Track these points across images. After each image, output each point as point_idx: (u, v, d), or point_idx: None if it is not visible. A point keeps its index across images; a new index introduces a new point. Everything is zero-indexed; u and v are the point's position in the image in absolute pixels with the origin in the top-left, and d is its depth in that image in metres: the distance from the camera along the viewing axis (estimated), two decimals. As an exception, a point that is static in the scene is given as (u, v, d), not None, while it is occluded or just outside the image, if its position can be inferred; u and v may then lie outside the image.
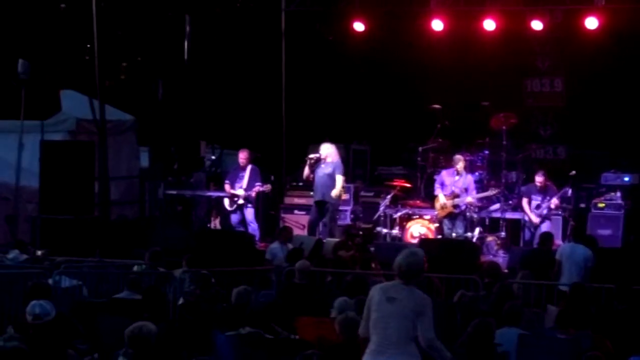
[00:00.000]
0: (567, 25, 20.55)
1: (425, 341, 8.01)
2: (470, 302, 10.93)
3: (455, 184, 18.06)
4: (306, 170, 17.86)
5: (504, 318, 10.13)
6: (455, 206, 17.99)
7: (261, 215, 19.60)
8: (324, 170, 17.57)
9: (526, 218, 18.00)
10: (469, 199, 18.00)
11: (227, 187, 18.80)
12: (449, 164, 18.61)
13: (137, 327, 8.47)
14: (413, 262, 8.15)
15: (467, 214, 18.15)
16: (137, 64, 23.93)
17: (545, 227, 17.85)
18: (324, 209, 17.62)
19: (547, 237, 15.61)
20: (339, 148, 18.53)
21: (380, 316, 8.08)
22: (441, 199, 18.02)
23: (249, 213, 18.57)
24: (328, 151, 17.72)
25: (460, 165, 18.13)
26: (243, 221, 18.58)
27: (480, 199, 18.36)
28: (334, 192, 17.48)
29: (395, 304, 8.04)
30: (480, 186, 18.61)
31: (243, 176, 18.62)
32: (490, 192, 18.35)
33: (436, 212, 18.23)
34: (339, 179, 17.53)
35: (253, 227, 18.40)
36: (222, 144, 22.45)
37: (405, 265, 8.11)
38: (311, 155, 17.86)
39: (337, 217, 18.19)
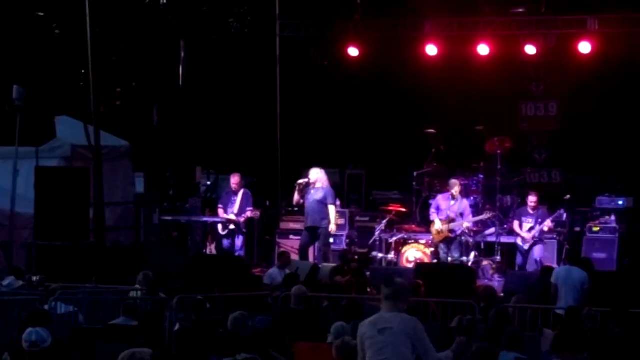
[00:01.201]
0: (560, 50, 20.69)
1: None
2: (469, 325, 10.90)
3: (451, 209, 18.05)
4: (296, 196, 17.85)
5: (504, 342, 10.09)
6: (451, 231, 17.99)
7: (256, 240, 19.58)
8: (314, 196, 17.54)
9: (518, 242, 18.02)
10: (466, 223, 18.00)
11: (220, 211, 18.82)
12: (445, 189, 18.60)
13: (134, 353, 8.44)
14: (400, 282, 8.03)
15: (463, 238, 18.15)
16: (132, 89, 23.93)
17: (537, 251, 17.89)
18: (316, 234, 17.60)
19: (548, 270, 15.42)
20: (332, 173, 18.53)
21: (376, 350, 7.86)
22: (437, 224, 18.00)
23: (239, 240, 18.57)
24: (317, 176, 17.68)
25: (456, 190, 18.12)
26: (233, 247, 18.56)
27: (475, 223, 18.37)
28: (331, 227, 17.51)
29: (387, 333, 7.84)
30: (476, 211, 18.62)
31: (235, 200, 18.63)
32: (485, 216, 18.38)
33: (432, 237, 18.22)
34: (332, 210, 17.50)
35: (239, 254, 18.36)
36: (218, 169, 22.45)
37: (393, 285, 7.96)
38: (300, 181, 17.85)
39: (332, 241, 18.17)
